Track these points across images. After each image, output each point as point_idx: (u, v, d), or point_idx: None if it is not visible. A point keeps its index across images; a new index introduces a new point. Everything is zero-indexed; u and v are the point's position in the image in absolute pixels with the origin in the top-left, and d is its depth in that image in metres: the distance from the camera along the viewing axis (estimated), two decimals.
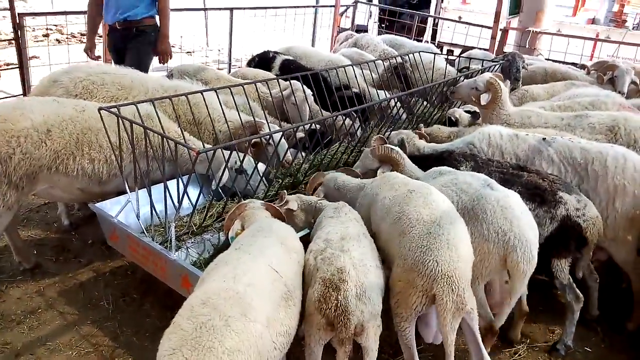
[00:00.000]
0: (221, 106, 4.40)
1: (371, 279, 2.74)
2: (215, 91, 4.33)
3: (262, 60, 6.89)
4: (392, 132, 4.75)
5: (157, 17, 5.67)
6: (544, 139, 4.11)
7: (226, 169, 3.62)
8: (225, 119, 4.39)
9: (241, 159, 3.80)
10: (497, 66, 6.35)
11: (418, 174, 3.85)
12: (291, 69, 6.27)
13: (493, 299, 3.42)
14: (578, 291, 3.57)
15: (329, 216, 3.25)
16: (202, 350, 2.00)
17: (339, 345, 2.64)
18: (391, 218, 3.06)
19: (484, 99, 4.90)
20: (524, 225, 3.08)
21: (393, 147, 4.01)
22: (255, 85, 4.87)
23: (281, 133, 4.10)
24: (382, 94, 6.03)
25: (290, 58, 6.85)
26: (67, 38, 10.04)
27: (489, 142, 4.23)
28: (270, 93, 5.37)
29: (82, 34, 11.31)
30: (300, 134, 4.78)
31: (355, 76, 5.75)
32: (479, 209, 3.12)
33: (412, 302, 2.80)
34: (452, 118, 5.41)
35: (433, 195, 3.09)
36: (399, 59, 6.42)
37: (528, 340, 3.80)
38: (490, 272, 3.14)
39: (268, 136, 4.19)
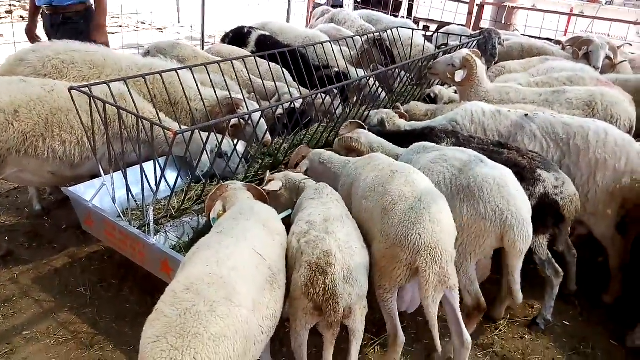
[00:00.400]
0: (197, 85, 4.26)
1: (357, 261, 2.72)
2: (191, 69, 4.19)
3: (237, 36, 6.69)
4: (372, 111, 4.70)
5: (89, 2, 5.27)
6: (526, 115, 4.12)
7: (204, 152, 3.52)
8: (202, 97, 4.26)
9: (220, 140, 3.70)
10: (474, 42, 6.32)
11: (397, 151, 3.82)
12: (268, 45, 6.11)
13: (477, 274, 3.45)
14: (557, 266, 3.62)
15: (310, 197, 3.20)
16: (188, 336, 1.96)
17: (327, 329, 2.63)
18: (374, 196, 3.07)
19: (459, 75, 4.87)
20: (520, 204, 3.10)
21: (354, 136, 3.99)
22: (232, 63, 4.73)
23: (260, 112, 4.00)
24: (361, 73, 5.95)
25: (267, 34, 6.67)
26: None
27: (471, 119, 4.22)
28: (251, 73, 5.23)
29: None
30: (279, 111, 4.68)
31: (334, 53, 5.66)
32: (475, 186, 3.11)
33: (396, 275, 2.83)
34: (432, 95, 5.38)
35: (414, 175, 3.10)
36: (377, 35, 6.31)
37: (508, 316, 3.85)
38: (484, 249, 3.16)
39: (247, 116, 4.09)
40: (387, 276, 2.87)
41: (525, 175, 3.49)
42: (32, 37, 5.39)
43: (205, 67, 4.28)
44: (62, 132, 3.60)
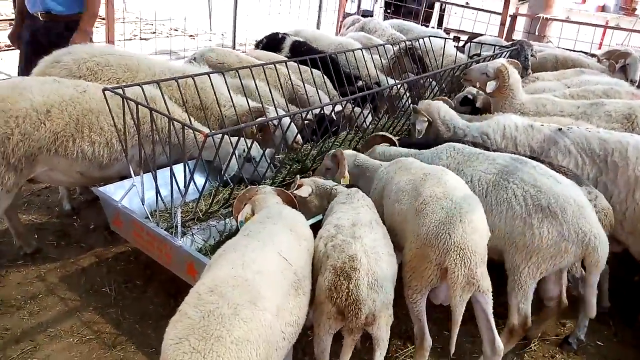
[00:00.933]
0: (229, 90, 4.26)
1: (383, 267, 2.66)
2: (223, 74, 4.20)
3: (271, 42, 6.69)
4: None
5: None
6: (559, 129, 4.00)
7: (233, 156, 3.51)
8: (233, 103, 4.25)
9: (248, 145, 3.69)
10: (507, 53, 6.20)
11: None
12: (302, 51, 6.06)
13: (557, 290, 3.41)
14: None
15: (341, 202, 3.18)
16: (210, 339, 1.92)
17: (347, 334, 2.59)
18: (406, 199, 3.10)
19: (490, 86, 4.77)
20: (598, 222, 3.08)
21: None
22: (275, 67, 4.72)
23: (289, 118, 3.98)
24: (392, 82, 5.88)
25: (301, 39, 6.65)
26: None
27: (503, 133, 4.13)
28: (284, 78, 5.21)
29: None
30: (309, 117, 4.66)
31: (365, 61, 5.61)
32: (557, 207, 3.03)
33: (426, 275, 2.81)
34: (469, 96, 5.26)
35: (446, 176, 3.11)
36: (409, 44, 6.25)
37: (539, 334, 3.72)
38: (556, 268, 3.12)
39: (276, 121, 4.08)
40: (417, 276, 2.85)
41: None
42: (18, 42, 5.14)
43: (237, 71, 4.28)
44: (91, 133, 3.63)
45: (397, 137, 4.35)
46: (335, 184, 3.53)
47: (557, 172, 3.48)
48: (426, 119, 4.40)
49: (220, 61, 5.56)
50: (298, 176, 3.64)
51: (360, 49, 5.77)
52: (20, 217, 4.17)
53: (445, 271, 2.73)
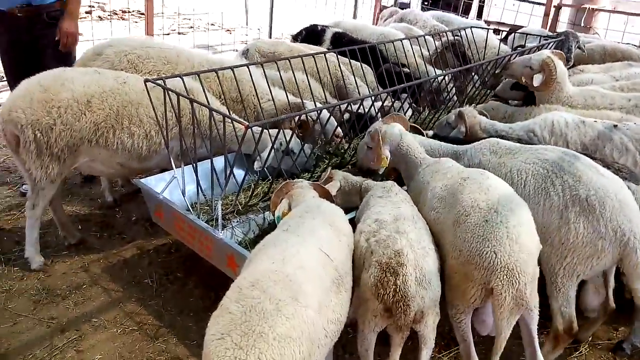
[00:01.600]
0: (268, 83, 4.23)
1: (430, 263, 2.57)
2: (262, 66, 4.17)
3: (311, 34, 6.56)
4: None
5: None
6: (615, 125, 3.81)
7: (272, 149, 3.48)
8: (272, 97, 4.22)
9: (287, 138, 3.65)
10: (552, 44, 5.97)
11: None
12: (344, 42, 5.91)
13: (597, 301, 3.25)
14: None
15: (378, 196, 3.09)
16: (252, 335, 1.88)
17: (396, 331, 2.50)
18: (444, 208, 2.87)
19: (537, 80, 4.56)
20: None
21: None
22: (326, 57, 4.66)
23: (330, 110, 3.92)
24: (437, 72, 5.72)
25: (341, 31, 6.52)
26: (109, 15, 10.08)
27: (551, 130, 3.94)
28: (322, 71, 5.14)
29: (123, 11, 11.34)
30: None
31: (407, 52, 5.48)
32: (596, 201, 2.82)
33: (469, 295, 2.61)
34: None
35: (488, 181, 2.85)
36: (451, 35, 6.09)
37: (590, 338, 3.56)
38: (595, 271, 2.90)
39: (314, 114, 4.02)
40: (459, 295, 2.67)
41: None
42: None
43: (276, 63, 4.24)
44: (131, 124, 3.66)
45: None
46: (364, 178, 3.43)
47: (610, 168, 3.32)
48: (464, 129, 4.18)
49: (271, 51, 5.53)
50: (329, 168, 3.58)
51: (407, 39, 5.64)
52: (65, 209, 4.26)
53: (491, 291, 2.53)
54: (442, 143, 3.75)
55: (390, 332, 2.56)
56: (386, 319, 2.49)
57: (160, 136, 3.67)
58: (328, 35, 6.41)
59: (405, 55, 5.41)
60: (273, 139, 3.42)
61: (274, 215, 3.07)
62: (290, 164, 3.86)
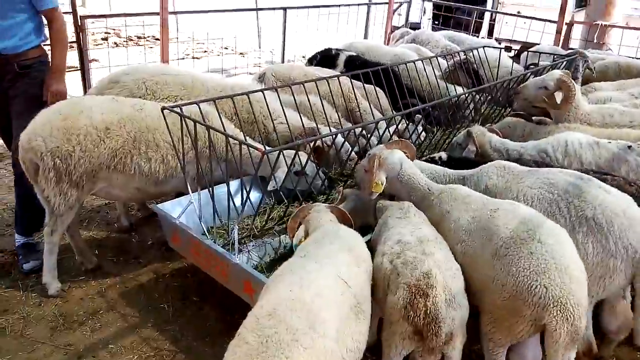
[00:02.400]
0: (282, 107, 4.26)
1: (458, 283, 2.58)
2: (276, 90, 4.21)
3: (325, 58, 6.65)
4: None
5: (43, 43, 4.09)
6: (629, 146, 3.76)
7: (288, 171, 3.48)
8: (286, 119, 4.25)
9: (302, 160, 3.66)
10: (565, 62, 5.95)
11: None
12: (357, 65, 5.97)
13: (614, 323, 3.13)
14: None
15: (397, 217, 3.08)
16: None
17: (427, 354, 2.49)
18: (475, 241, 2.77)
19: (559, 98, 4.53)
20: None
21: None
22: (339, 80, 4.70)
23: (344, 135, 3.93)
24: (458, 90, 5.72)
25: (354, 54, 6.60)
26: (125, 41, 10.26)
27: (565, 151, 3.90)
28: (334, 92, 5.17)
29: (139, 37, 11.54)
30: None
31: (419, 72, 5.50)
32: (603, 219, 2.79)
33: (517, 330, 2.51)
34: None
35: (522, 210, 2.77)
36: (463, 55, 6.10)
37: (611, 353, 3.47)
38: (609, 291, 2.84)
39: (329, 139, 4.02)
40: (503, 329, 2.57)
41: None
42: None
43: (291, 88, 4.26)
44: (148, 149, 3.70)
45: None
46: (378, 199, 3.41)
47: (632, 185, 3.28)
48: (475, 148, 4.16)
49: (287, 75, 5.61)
50: (341, 187, 3.57)
51: (419, 60, 5.66)
52: (81, 233, 4.29)
53: (543, 327, 2.41)
54: (446, 169, 3.66)
55: (419, 356, 2.53)
56: (415, 342, 2.48)
57: (176, 160, 3.70)
58: (342, 59, 6.49)
59: (418, 76, 5.43)
60: (289, 161, 3.43)
61: (292, 241, 3.06)
62: (306, 186, 3.86)
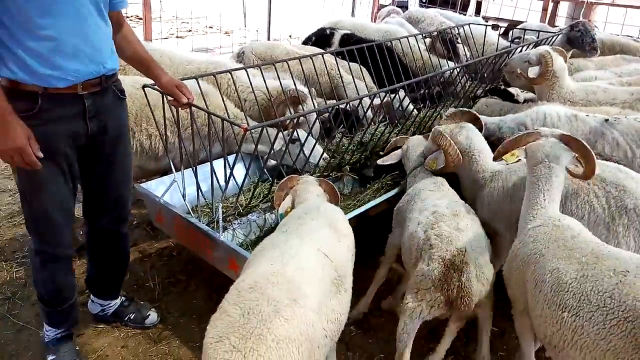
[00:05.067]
0: (264, 80, 4.23)
1: (486, 258, 2.70)
2: (260, 68, 4.17)
3: (320, 38, 6.56)
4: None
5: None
6: (606, 120, 3.78)
7: (271, 150, 3.46)
8: (252, 89, 4.24)
9: (287, 136, 3.65)
10: (554, 38, 5.94)
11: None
12: (352, 43, 5.83)
13: None
14: None
15: (430, 189, 3.22)
16: (251, 337, 1.87)
17: (454, 321, 2.76)
18: (595, 315, 2.07)
19: (532, 71, 4.53)
20: None
21: (454, 130, 3.58)
22: (323, 58, 4.70)
23: (328, 111, 3.91)
24: (450, 64, 5.70)
25: (349, 32, 6.51)
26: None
27: (543, 124, 3.89)
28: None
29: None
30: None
31: (417, 46, 5.47)
32: None
33: None
34: (512, 92, 5.04)
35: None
36: (449, 33, 6.08)
37: None
38: None
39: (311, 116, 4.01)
40: None
41: None
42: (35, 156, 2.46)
43: (274, 65, 4.23)
44: (148, 126, 3.74)
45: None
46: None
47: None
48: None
49: (268, 54, 5.56)
50: (401, 136, 3.83)
51: (412, 36, 5.67)
52: None
53: None
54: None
55: (450, 321, 2.80)
56: (443, 310, 2.67)
57: (175, 136, 3.66)
58: (336, 37, 6.39)
59: (412, 52, 5.43)
60: (272, 141, 3.42)
61: (277, 211, 3.05)
62: (297, 153, 3.82)
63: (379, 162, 3.82)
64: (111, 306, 3.40)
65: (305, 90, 4.42)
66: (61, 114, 2.50)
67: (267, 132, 3.70)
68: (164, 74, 3.00)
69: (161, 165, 3.96)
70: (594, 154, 2.72)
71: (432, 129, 3.63)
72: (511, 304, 2.73)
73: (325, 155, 3.95)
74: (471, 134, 3.61)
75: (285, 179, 3.11)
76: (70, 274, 2.99)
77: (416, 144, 3.79)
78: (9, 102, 2.34)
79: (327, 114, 4.38)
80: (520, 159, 2.88)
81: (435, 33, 6.12)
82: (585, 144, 2.74)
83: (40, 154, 2.42)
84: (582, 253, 2.30)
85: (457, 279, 2.56)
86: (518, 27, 6.85)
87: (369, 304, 3.52)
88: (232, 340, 1.86)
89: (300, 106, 4.32)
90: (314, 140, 3.78)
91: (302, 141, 3.69)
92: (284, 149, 3.63)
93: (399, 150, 3.78)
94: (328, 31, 6.60)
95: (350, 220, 2.92)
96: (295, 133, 3.65)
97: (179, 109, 3.09)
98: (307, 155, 3.67)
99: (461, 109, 3.93)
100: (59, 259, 2.83)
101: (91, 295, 3.41)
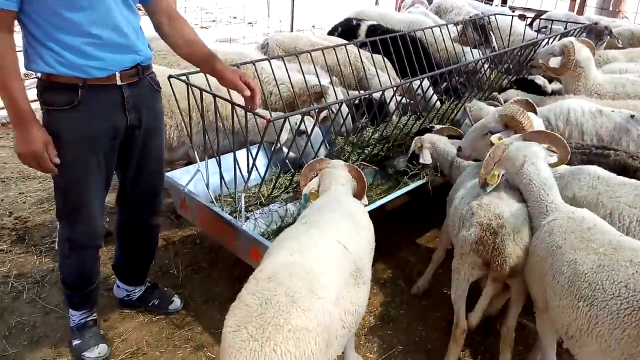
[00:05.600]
0: (287, 73, 4.25)
1: (527, 228, 2.74)
2: (283, 59, 4.19)
3: (347, 29, 6.56)
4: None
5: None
6: (632, 116, 3.69)
7: (288, 134, 3.48)
8: (292, 85, 4.24)
9: (310, 128, 3.66)
10: (581, 31, 5.82)
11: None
12: (378, 34, 5.87)
13: None
14: None
15: (475, 173, 3.26)
16: (268, 327, 1.88)
17: (490, 282, 2.81)
18: (610, 304, 2.07)
19: (554, 62, 4.46)
20: None
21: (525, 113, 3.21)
22: (346, 49, 4.69)
23: (350, 102, 3.92)
24: (475, 53, 5.65)
25: (376, 23, 6.49)
26: None
27: (566, 119, 3.83)
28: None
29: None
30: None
31: (442, 37, 5.45)
32: None
33: None
34: (539, 82, 4.97)
35: None
36: (476, 19, 6.00)
37: None
38: None
39: (335, 107, 4.02)
40: None
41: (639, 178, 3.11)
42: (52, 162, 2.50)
43: (297, 57, 4.25)
44: (164, 116, 3.73)
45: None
46: (455, 153, 3.62)
47: (635, 158, 3.20)
48: (471, 123, 4.00)
49: (292, 45, 5.58)
50: (417, 137, 3.83)
51: (437, 26, 5.63)
52: None
53: None
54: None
55: (486, 283, 2.85)
56: (482, 271, 2.82)
57: (189, 127, 3.71)
58: (363, 29, 6.39)
59: (436, 43, 5.39)
60: (294, 130, 3.44)
61: (301, 191, 3.03)
62: (311, 154, 3.86)
63: (423, 161, 3.80)
64: (136, 292, 3.49)
65: (327, 81, 4.42)
66: (101, 106, 2.52)
67: (289, 123, 3.73)
68: (226, 68, 2.85)
69: (174, 156, 3.99)
70: (559, 136, 2.92)
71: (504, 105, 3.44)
72: (533, 302, 2.73)
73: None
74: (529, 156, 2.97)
75: (314, 159, 3.10)
76: (96, 262, 3.07)
77: (437, 139, 3.80)
78: (49, 97, 2.42)
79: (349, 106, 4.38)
80: (502, 175, 2.90)
81: (468, 18, 6.04)
82: (548, 132, 2.98)
83: (57, 160, 2.47)
84: (600, 244, 2.29)
85: (492, 241, 2.69)
86: (543, 17, 6.72)
87: (427, 282, 3.77)
88: (249, 330, 1.88)
89: (322, 99, 4.34)
90: (321, 134, 3.80)
91: (309, 133, 3.69)
92: (297, 139, 3.64)
93: (426, 150, 3.77)
94: (354, 22, 6.58)
95: (371, 212, 2.93)
96: (302, 125, 3.65)
97: (203, 99, 3.13)
98: (316, 150, 3.68)
99: (519, 98, 3.81)
100: (87, 248, 2.91)
101: (117, 280, 3.49)
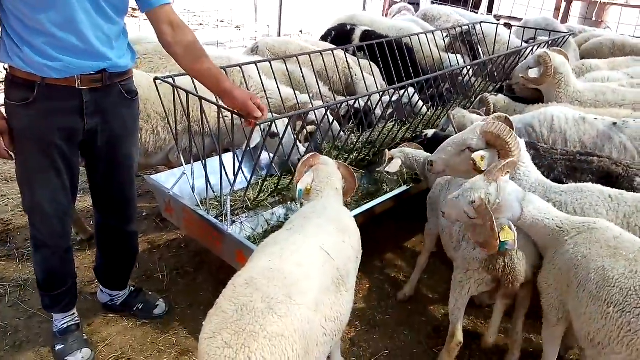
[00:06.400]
0: (276, 80, 4.26)
1: (532, 248, 2.80)
2: (270, 63, 4.20)
3: (340, 34, 6.55)
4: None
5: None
6: (614, 123, 3.76)
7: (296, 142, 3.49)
8: (280, 93, 4.25)
9: (297, 131, 3.68)
10: (566, 38, 5.92)
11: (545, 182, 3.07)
12: (372, 39, 5.85)
13: None
14: None
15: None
16: (243, 334, 1.85)
17: (502, 298, 2.93)
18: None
19: (533, 73, 4.52)
20: None
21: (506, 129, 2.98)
22: (334, 54, 4.72)
23: (336, 107, 3.93)
24: (460, 60, 5.71)
25: (370, 29, 6.51)
26: None
27: (550, 126, 3.88)
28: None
29: (133, 9, 11.37)
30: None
31: (429, 44, 5.51)
32: None
33: None
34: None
35: None
36: (459, 29, 6.08)
37: None
38: None
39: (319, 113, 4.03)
40: None
41: (622, 185, 3.11)
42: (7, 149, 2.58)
43: (284, 61, 4.26)
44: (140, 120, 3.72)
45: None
46: (427, 155, 3.60)
47: (618, 165, 3.22)
48: (454, 131, 3.97)
49: (282, 49, 5.57)
50: (387, 150, 3.82)
51: (430, 32, 5.69)
52: (76, 205, 4.31)
53: None
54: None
55: (497, 298, 2.96)
56: (490, 287, 2.88)
57: (166, 132, 3.70)
58: (357, 34, 6.39)
59: (422, 50, 5.45)
60: (281, 135, 3.44)
61: (295, 186, 2.97)
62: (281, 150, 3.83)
63: (387, 170, 3.78)
64: (120, 296, 3.46)
65: (306, 97, 4.43)
66: (57, 107, 2.50)
67: (276, 127, 3.73)
68: (235, 89, 2.78)
69: (151, 162, 3.95)
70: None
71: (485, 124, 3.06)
72: (542, 314, 2.72)
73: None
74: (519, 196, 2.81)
75: (308, 155, 3.07)
76: (64, 263, 3.02)
77: (409, 151, 3.86)
78: (10, 91, 2.48)
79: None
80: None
81: (457, 31, 6.11)
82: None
83: (11, 148, 2.55)
84: (630, 251, 2.28)
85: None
86: (519, 24, 6.84)
87: (414, 288, 3.76)
88: (224, 336, 1.86)
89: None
90: (293, 137, 3.81)
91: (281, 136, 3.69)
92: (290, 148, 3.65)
93: (397, 160, 3.76)
94: (349, 27, 6.58)
95: (357, 216, 2.94)
96: (274, 127, 3.64)
97: (187, 100, 3.13)
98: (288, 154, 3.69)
99: (499, 114, 3.62)
100: (49, 247, 2.90)
101: (100, 285, 3.46)
